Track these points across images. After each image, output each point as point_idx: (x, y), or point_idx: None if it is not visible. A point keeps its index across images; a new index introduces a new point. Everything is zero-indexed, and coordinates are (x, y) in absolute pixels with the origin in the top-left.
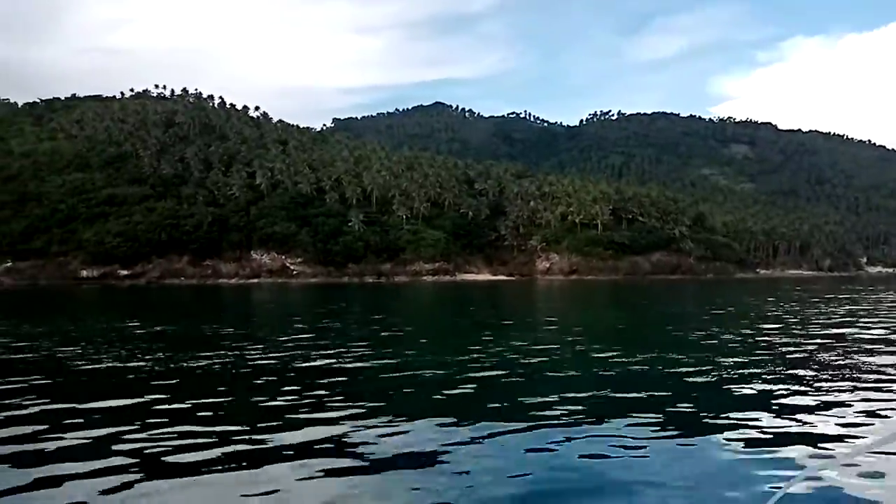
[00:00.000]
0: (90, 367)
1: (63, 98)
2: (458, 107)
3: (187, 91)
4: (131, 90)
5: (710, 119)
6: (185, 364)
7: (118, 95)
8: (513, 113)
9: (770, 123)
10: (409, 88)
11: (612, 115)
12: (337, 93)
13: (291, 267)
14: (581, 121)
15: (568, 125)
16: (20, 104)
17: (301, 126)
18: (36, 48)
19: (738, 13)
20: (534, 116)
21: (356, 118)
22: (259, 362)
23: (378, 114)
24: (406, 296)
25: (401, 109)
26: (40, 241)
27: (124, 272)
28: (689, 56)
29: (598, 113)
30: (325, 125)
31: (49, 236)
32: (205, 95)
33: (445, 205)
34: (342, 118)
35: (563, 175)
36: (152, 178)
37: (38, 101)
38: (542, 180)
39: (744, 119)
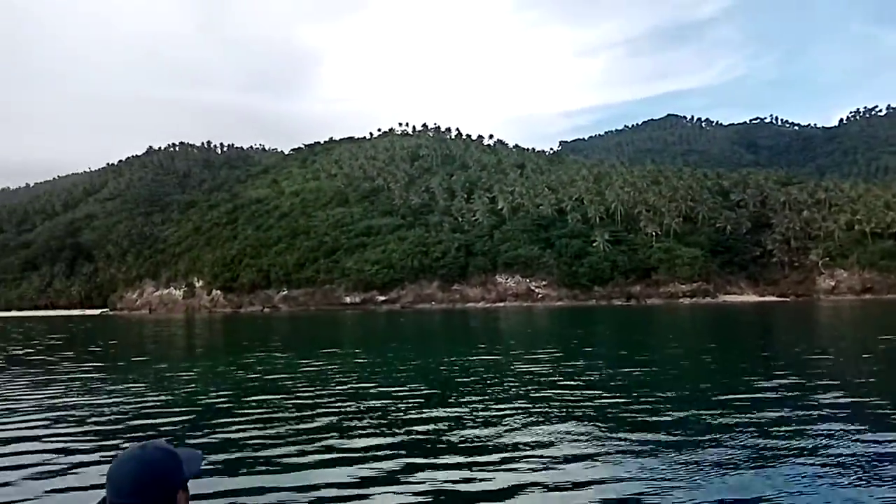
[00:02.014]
0: None
1: (322, 142)
2: (692, 117)
3: (427, 126)
4: (379, 129)
5: None
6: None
7: (368, 136)
8: (756, 118)
9: None
10: (634, 105)
11: (880, 110)
12: (559, 117)
13: (536, 290)
14: (840, 120)
15: (824, 126)
16: (287, 151)
17: (537, 149)
18: (296, 101)
19: None
20: (781, 120)
21: (583, 139)
22: None
23: (606, 132)
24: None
25: (629, 126)
26: (310, 271)
27: (381, 298)
28: None
29: (862, 110)
30: (551, 149)
31: (317, 266)
32: (443, 128)
33: (699, 219)
34: (569, 140)
35: (840, 179)
36: (402, 208)
37: (303, 146)
38: (814, 187)
39: None
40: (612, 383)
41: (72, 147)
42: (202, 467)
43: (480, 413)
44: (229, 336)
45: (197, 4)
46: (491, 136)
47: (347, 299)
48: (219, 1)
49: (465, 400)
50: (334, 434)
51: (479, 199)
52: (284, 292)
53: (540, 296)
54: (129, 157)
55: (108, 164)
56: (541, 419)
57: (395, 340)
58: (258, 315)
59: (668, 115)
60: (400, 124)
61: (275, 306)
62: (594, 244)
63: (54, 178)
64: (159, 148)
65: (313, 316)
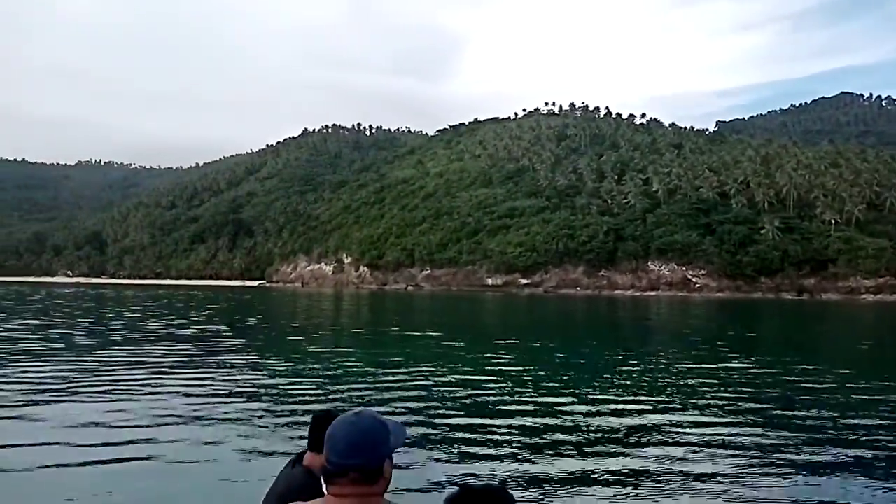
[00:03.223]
0: None
1: (467, 123)
2: (869, 95)
3: (574, 105)
4: (523, 109)
5: None
6: None
7: (512, 116)
8: None
9: None
10: (800, 83)
11: None
12: (714, 96)
13: (693, 279)
14: None
15: None
16: (432, 132)
17: (696, 128)
18: (442, 84)
19: None
20: None
21: (742, 119)
22: None
23: (769, 112)
24: None
25: (796, 105)
26: (452, 251)
27: (524, 281)
28: None
29: None
30: (707, 130)
31: (459, 246)
32: (591, 107)
33: (886, 206)
34: (726, 120)
35: None
36: (548, 189)
37: (447, 127)
38: None
39: None
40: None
41: (236, 130)
42: (405, 441)
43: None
44: (387, 316)
45: None
46: (643, 115)
47: (489, 281)
48: None
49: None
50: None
51: (630, 180)
52: (427, 271)
53: (697, 286)
54: (286, 139)
55: (267, 145)
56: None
57: (563, 331)
58: (402, 293)
59: (842, 92)
60: (546, 104)
61: (418, 285)
62: (762, 231)
63: (220, 159)
64: (314, 130)
65: (458, 296)
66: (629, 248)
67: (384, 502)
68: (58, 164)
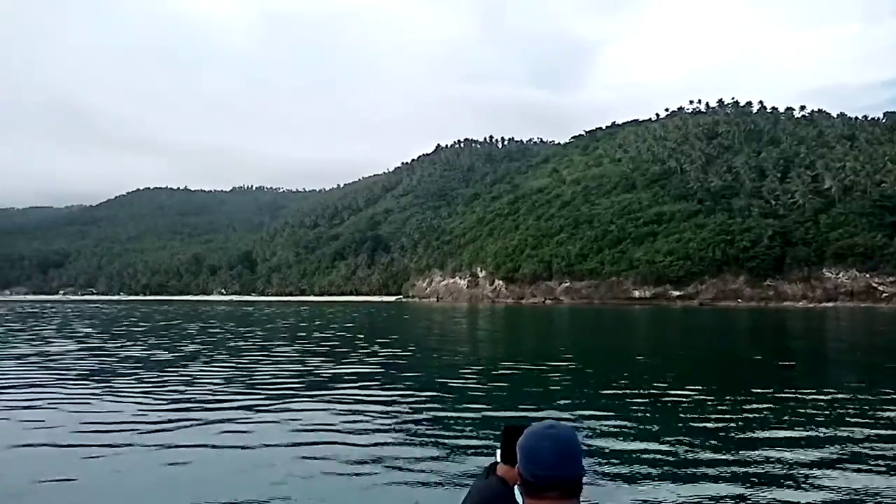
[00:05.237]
0: None
1: (604, 127)
2: None
3: (723, 102)
4: (666, 110)
5: None
6: None
7: (653, 117)
8: None
9: None
10: None
11: None
12: (878, 86)
13: (879, 288)
14: None
15: None
16: (566, 140)
17: (870, 117)
18: (574, 92)
19: None
20: None
21: None
22: None
23: None
24: None
25: None
26: (593, 262)
27: (676, 292)
28: None
29: None
30: (879, 119)
31: (601, 257)
32: (742, 102)
33: None
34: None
35: None
36: (699, 192)
37: (583, 133)
38: None
39: None
40: None
41: (374, 150)
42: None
43: None
44: (548, 337)
45: (478, 7)
46: (803, 108)
47: (636, 293)
48: (498, 3)
49: None
50: None
51: (797, 177)
52: (566, 284)
53: (885, 295)
54: (420, 156)
55: (402, 163)
56: None
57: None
58: (541, 307)
59: None
60: (690, 102)
61: (556, 298)
62: None
63: (359, 179)
64: (446, 146)
65: (605, 311)
66: (800, 254)
67: None
68: (215, 190)
